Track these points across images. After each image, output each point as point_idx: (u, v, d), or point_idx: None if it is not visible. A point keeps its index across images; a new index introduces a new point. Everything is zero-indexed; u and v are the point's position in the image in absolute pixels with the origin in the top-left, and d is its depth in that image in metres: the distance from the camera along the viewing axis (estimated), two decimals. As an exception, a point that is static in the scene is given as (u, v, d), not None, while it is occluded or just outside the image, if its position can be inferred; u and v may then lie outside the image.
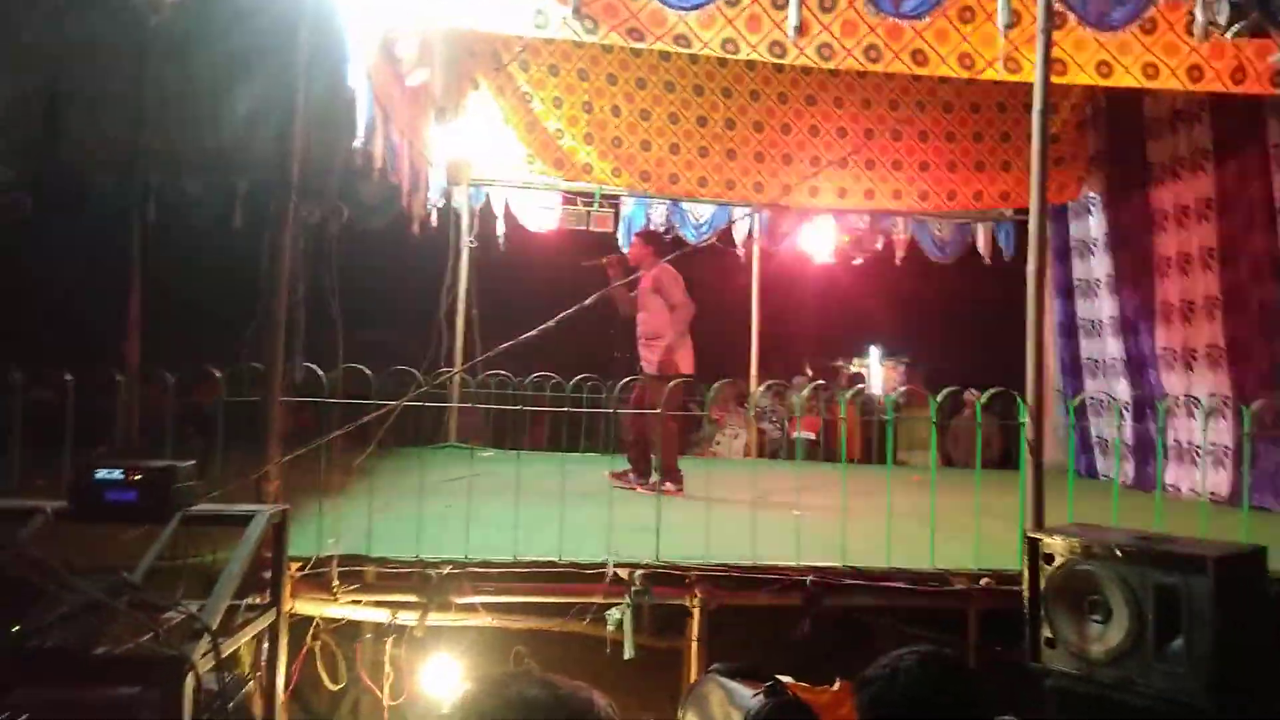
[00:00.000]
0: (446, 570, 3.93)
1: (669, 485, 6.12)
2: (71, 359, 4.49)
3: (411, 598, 3.96)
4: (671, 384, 5.55)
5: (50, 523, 2.64)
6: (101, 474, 2.62)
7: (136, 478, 2.60)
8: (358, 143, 5.40)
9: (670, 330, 6.34)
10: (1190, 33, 4.66)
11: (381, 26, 5.52)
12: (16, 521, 2.62)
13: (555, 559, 4.04)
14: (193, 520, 2.78)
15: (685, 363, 6.40)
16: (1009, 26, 4.37)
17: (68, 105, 7.04)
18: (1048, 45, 4.36)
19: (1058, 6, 4.44)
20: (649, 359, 6.44)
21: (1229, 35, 4.81)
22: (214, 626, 2.27)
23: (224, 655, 2.32)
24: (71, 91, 6.94)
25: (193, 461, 2.77)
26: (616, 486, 5.71)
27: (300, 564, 3.75)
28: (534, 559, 4.04)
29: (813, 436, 9.76)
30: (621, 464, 6.49)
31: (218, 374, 3.90)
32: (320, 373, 3.99)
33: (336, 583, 3.84)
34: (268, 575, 3.06)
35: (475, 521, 4.22)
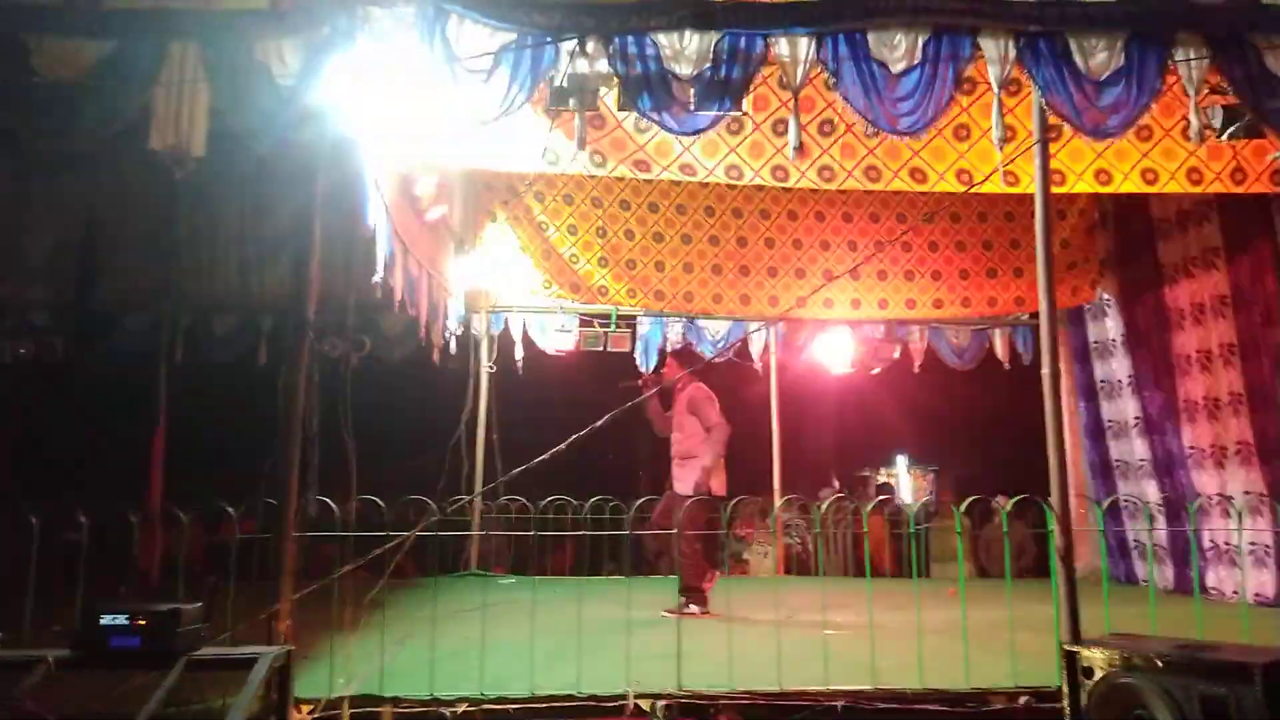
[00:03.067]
0: (462, 709, 3.81)
1: (693, 607, 5.98)
2: (100, 498, 4.52)
3: (427, 739, 3.83)
4: (688, 503, 5.48)
5: (53, 672, 2.60)
6: (107, 619, 2.59)
7: (140, 622, 2.57)
8: (376, 277, 5.54)
9: (705, 451, 6.24)
10: (1187, 137, 4.73)
11: (399, 167, 5.75)
12: (20, 672, 2.59)
13: (574, 692, 3.92)
14: (198, 665, 2.73)
15: (719, 485, 6.28)
16: (1004, 141, 4.47)
17: (101, 251, 7.31)
18: (1045, 158, 4.46)
19: (1052, 119, 4.53)
20: (682, 478, 6.31)
21: (1225, 138, 4.91)
22: (213, 778, 2.19)
23: (225, 808, 2.24)
24: (105, 238, 7.23)
25: (199, 604, 2.74)
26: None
27: (311, 706, 3.65)
28: (552, 693, 3.91)
29: None
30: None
31: (231, 511, 3.90)
32: (333, 506, 3.98)
33: (349, 725, 3.73)
34: None
35: (493, 653, 4.12)
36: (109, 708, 2.65)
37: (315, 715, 3.62)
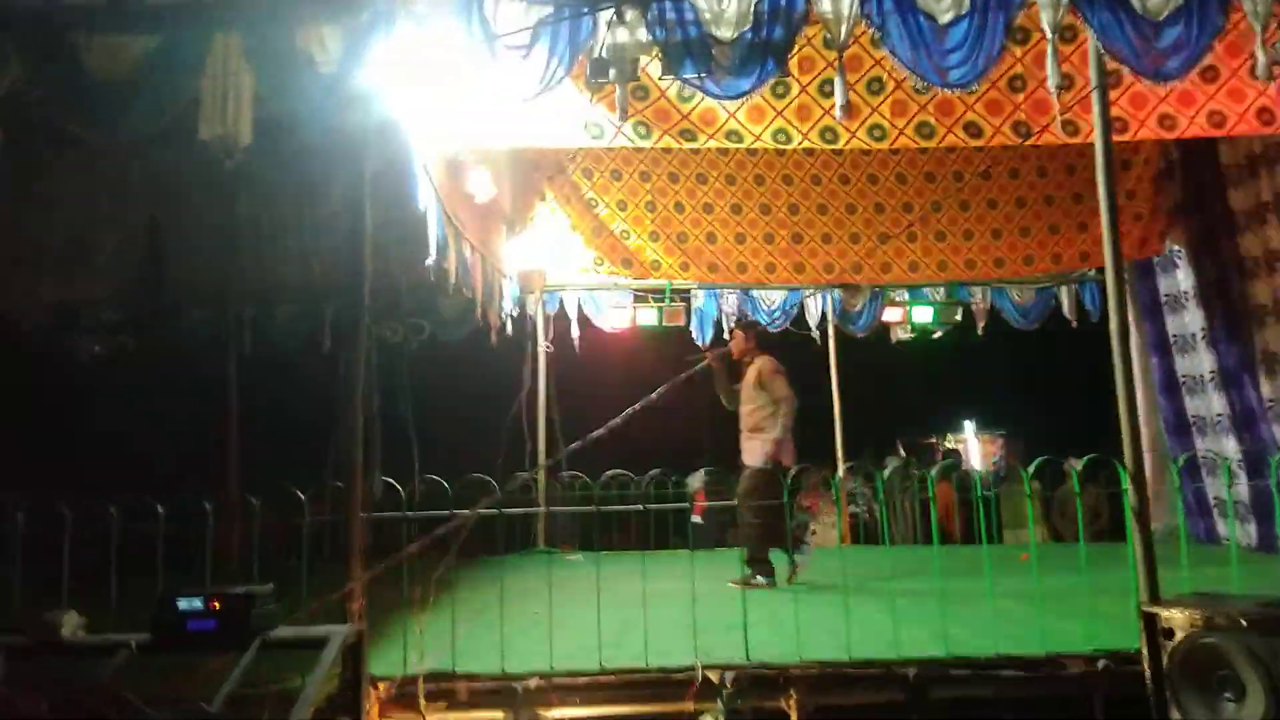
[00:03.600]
0: (533, 683, 3.85)
1: (759, 579, 5.97)
2: (176, 489, 4.65)
3: (500, 714, 3.88)
4: (746, 475, 5.43)
5: (134, 656, 2.68)
6: (183, 603, 2.66)
7: (216, 605, 2.63)
8: (429, 261, 5.57)
9: (774, 425, 6.19)
10: (1255, 75, 4.52)
11: (446, 150, 5.76)
12: (104, 656, 2.67)
13: (643, 665, 3.93)
14: (273, 645, 2.79)
15: (788, 457, 6.22)
16: (1061, 89, 4.31)
17: (164, 246, 7.48)
18: (1105, 104, 4.30)
19: (1111, 65, 4.36)
20: (752, 451, 6.28)
21: (1296, 73, 4.66)
22: (289, 754, 2.24)
23: (303, 783, 2.29)
24: (167, 232, 7.38)
25: (271, 586, 2.80)
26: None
27: (387, 683, 3.72)
28: (620, 666, 3.93)
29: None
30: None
31: (301, 495, 3.98)
32: (398, 487, 4.04)
33: (423, 702, 3.79)
34: (354, 697, 3.04)
35: (562, 628, 4.15)
36: (190, 690, 2.73)
37: (392, 692, 3.69)
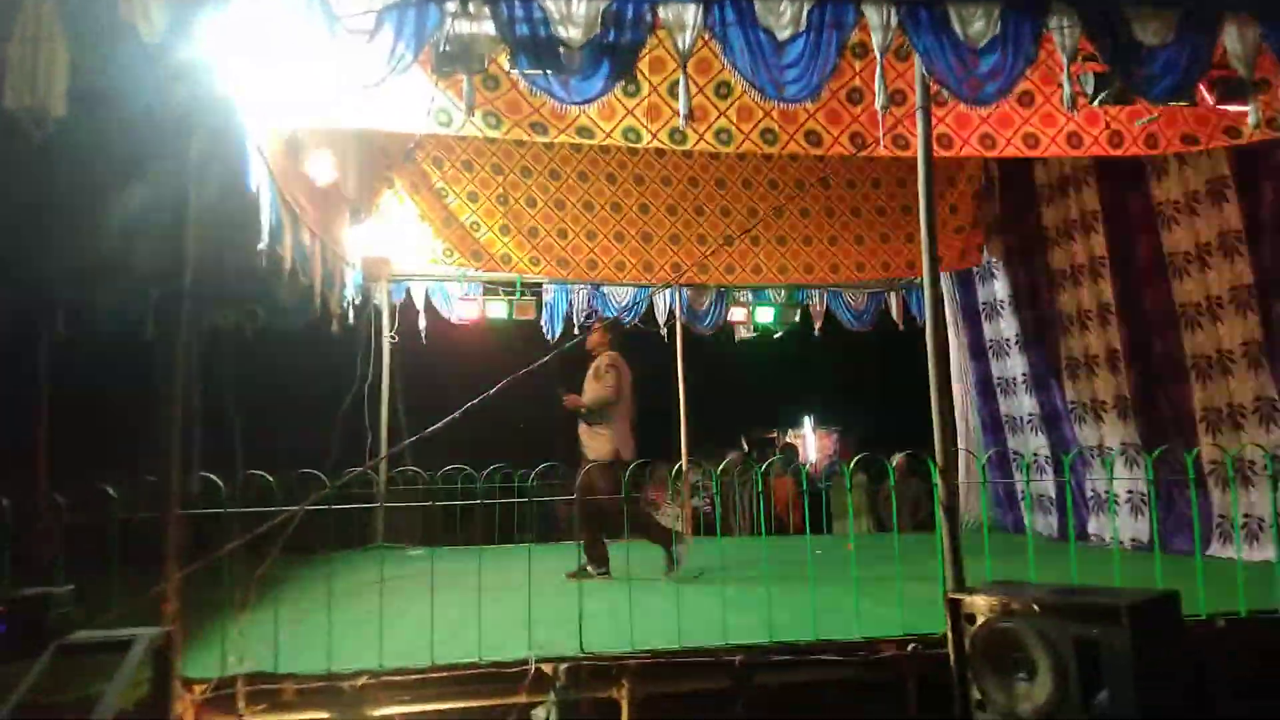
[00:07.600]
0: (361, 681, 3.76)
1: (590, 569, 6.05)
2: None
3: (325, 714, 3.77)
4: (588, 469, 5.51)
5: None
6: (-32, 607, 2.46)
7: (3, 610, 2.45)
8: (262, 245, 5.36)
9: (614, 418, 6.29)
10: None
11: (284, 128, 5.54)
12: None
13: (476, 659, 3.90)
14: (73, 650, 2.63)
15: (627, 451, 6.29)
16: (887, 107, 4.55)
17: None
18: (928, 123, 4.56)
19: (935, 86, 4.63)
20: (592, 445, 6.33)
21: (1096, 104, 5.09)
22: (84, 764, 2.12)
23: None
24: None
25: (70, 587, 2.63)
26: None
27: (203, 685, 3.56)
28: (453, 662, 3.88)
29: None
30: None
31: (111, 491, 3.75)
32: (219, 483, 3.86)
33: (243, 704, 3.63)
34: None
35: (394, 626, 4.07)
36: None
37: (207, 695, 3.52)
